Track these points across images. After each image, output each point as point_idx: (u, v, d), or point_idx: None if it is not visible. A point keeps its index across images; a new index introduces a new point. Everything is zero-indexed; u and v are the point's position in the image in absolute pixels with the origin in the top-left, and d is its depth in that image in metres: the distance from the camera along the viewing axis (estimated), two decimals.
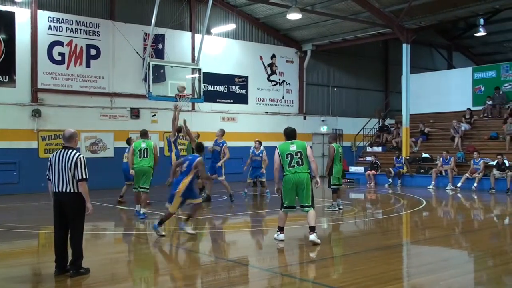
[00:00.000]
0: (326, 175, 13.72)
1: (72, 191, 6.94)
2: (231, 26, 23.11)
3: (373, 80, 29.82)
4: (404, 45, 22.64)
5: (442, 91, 25.16)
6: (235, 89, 24.22)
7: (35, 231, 10.94)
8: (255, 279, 7.13)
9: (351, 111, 28.27)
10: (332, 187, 13.24)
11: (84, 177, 6.93)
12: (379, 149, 24.94)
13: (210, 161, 15.38)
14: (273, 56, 25.60)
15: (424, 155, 22.18)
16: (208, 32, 21.67)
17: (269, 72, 25.50)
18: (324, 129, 26.92)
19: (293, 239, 9.29)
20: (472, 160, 19.68)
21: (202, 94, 18.42)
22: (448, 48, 31.75)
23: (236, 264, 7.72)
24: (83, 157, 7.01)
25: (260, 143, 17.12)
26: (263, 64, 25.25)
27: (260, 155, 16.86)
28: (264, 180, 16.92)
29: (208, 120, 22.86)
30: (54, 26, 19.38)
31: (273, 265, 7.81)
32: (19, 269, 7.62)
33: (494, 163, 18.97)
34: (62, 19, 19.55)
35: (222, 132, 15.78)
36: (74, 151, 7.02)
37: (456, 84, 24.98)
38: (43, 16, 19.12)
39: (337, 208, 13.12)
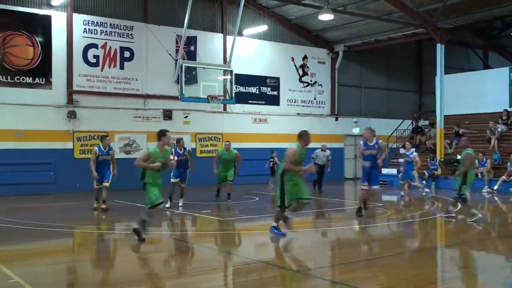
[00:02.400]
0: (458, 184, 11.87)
1: None
2: (262, 28, 23.14)
3: (406, 80, 29.43)
4: (438, 45, 22.26)
5: (478, 91, 24.62)
6: (267, 90, 24.24)
7: (70, 230, 11.14)
8: (286, 280, 7.10)
9: (384, 112, 27.95)
10: (462, 197, 11.75)
11: None
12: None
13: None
14: (305, 57, 25.52)
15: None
16: (240, 33, 21.74)
17: (301, 73, 25.43)
18: (356, 130, 26.67)
19: (327, 241, 9.23)
20: (508, 162, 19.21)
21: (233, 95, 18.49)
22: (484, 48, 31.10)
23: (268, 266, 7.71)
24: None
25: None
26: (295, 65, 25.19)
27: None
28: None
29: (239, 122, 22.98)
30: (89, 29, 19.74)
31: (304, 266, 7.76)
32: (54, 268, 7.76)
33: None
34: (97, 22, 19.90)
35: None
36: None
37: (493, 85, 24.40)
38: (79, 19, 19.49)
39: (479, 215, 11.87)
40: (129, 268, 7.87)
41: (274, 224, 9.63)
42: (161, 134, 9.28)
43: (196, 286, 6.88)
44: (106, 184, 13.28)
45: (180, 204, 14.04)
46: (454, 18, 21.72)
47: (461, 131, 23.42)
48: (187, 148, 14.71)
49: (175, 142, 14.66)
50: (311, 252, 8.60)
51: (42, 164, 18.59)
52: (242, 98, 22.48)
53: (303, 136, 9.59)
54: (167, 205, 13.36)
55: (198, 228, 11.67)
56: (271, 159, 19.23)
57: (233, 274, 7.55)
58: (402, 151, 16.00)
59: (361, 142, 12.22)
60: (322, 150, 19.36)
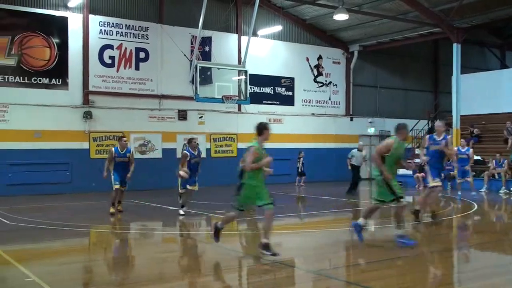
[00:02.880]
0: None
1: None
2: (277, 28, 23.12)
3: (422, 80, 29.23)
4: (455, 45, 22.09)
5: (494, 91, 24.36)
6: (281, 90, 24.22)
7: (87, 229, 11.23)
8: (301, 281, 7.09)
9: (399, 112, 27.74)
10: None
11: None
12: None
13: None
14: (320, 57, 25.46)
15: (475, 157, 21.53)
16: (255, 34, 21.75)
17: (316, 73, 25.38)
18: (371, 130, 26.54)
19: (341, 242, 9.20)
20: None
21: (248, 95, 18.51)
22: (501, 47, 30.74)
23: (282, 266, 7.70)
24: None
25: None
26: (310, 65, 25.15)
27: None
28: None
29: (254, 122, 22.75)
30: (105, 30, 19.89)
31: (319, 267, 7.74)
32: (70, 267, 7.84)
33: None
34: (113, 23, 20.04)
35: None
36: None
37: (510, 84, 24.12)
38: (95, 20, 19.65)
39: None
40: (145, 267, 7.91)
41: (398, 233, 8.81)
42: (263, 128, 7.94)
43: (210, 286, 6.90)
44: (123, 188, 13.03)
45: (181, 212, 12.58)
46: (470, 17, 21.52)
47: (475, 131, 23.21)
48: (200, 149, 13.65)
49: (186, 142, 13.79)
50: (324, 252, 8.58)
51: (58, 164, 18.78)
52: (256, 98, 22.50)
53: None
54: (182, 212, 12.55)
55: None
56: (298, 160, 19.35)
57: (248, 274, 7.56)
58: (459, 149, 15.18)
59: (427, 136, 11.65)
60: (358, 150, 18.94)
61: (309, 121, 24.76)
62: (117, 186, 12.79)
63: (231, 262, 8.26)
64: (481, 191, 19.18)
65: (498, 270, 7.57)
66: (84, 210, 14.40)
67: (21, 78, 18.35)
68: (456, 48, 22.09)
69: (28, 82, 18.46)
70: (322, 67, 25.58)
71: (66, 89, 19.16)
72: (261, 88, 23.42)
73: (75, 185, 18.79)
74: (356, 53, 25.99)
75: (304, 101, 24.95)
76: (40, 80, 18.66)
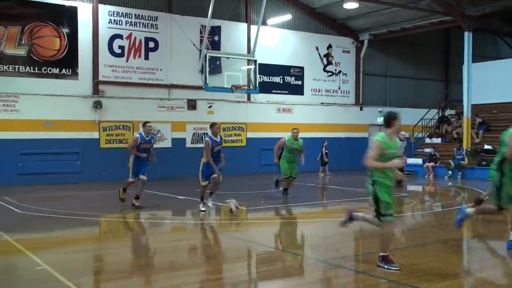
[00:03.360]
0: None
1: None
2: (287, 17, 22.99)
3: (433, 69, 29.00)
4: (466, 33, 21.83)
5: (506, 80, 24.10)
6: (291, 80, 24.14)
7: (97, 218, 11.31)
8: (310, 269, 7.10)
9: (409, 101, 27.54)
10: None
11: None
12: (438, 140, 24.31)
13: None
14: (329, 47, 25.31)
15: (486, 146, 21.40)
16: (264, 23, 21.64)
17: (325, 62, 25.25)
18: (381, 120, 26.37)
19: (350, 232, 9.17)
20: None
21: (257, 85, 18.46)
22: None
23: (292, 254, 7.72)
24: None
25: None
26: (319, 54, 25.02)
27: None
28: None
29: (263, 111, 22.97)
30: (114, 20, 19.89)
31: (328, 256, 7.75)
32: (81, 256, 7.90)
33: None
34: (122, 13, 20.03)
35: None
36: None
37: None
38: (104, 10, 19.65)
39: None
40: (155, 256, 7.97)
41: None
42: (392, 118, 6.73)
43: (219, 274, 6.93)
44: (144, 178, 12.15)
45: (209, 204, 11.71)
46: (482, 5, 21.26)
47: (477, 120, 22.99)
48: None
49: (209, 127, 12.15)
50: (333, 242, 8.58)
51: (68, 154, 18.88)
52: (266, 88, 22.42)
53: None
54: (202, 208, 11.64)
55: (230, 218, 11.64)
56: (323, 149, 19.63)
57: (257, 263, 7.58)
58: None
59: None
60: (400, 140, 16.92)
61: (318, 110, 24.68)
62: (132, 180, 12.22)
63: (240, 252, 8.28)
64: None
65: (507, 259, 7.53)
66: (94, 200, 14.49)
67: (32, 68, 18.41)
68: (467, 37, 21.84)
69: (39, 72, 18.52)
70: (332, 56, 25.44)
71: (76, 79, 19.21)
72: (271, 77, 23.34)
73: (85, 175, 18.89)
74: (366, 42, 25.81)
75: (314, 90, 24.84)
76: (50, 70, 18.72)
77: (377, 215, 6.71)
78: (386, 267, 6.68)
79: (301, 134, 14.36)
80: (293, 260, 7.56)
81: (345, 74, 25.84)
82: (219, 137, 11.84)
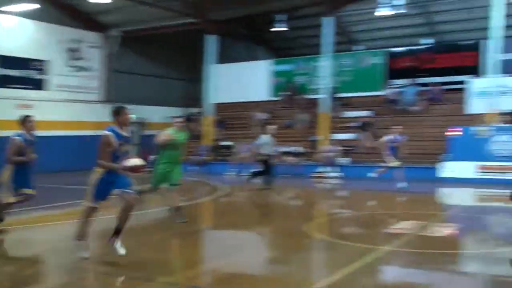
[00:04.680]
0: None
1: None
2: (27, 6, 21.13)
3: (181, 69, 29.83)
4: (210, 36, 23.13)
5: (246, 81, 26.29)
6: (32, 74, 22.42)
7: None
8: None
9: (158, 99, 27.87)
10: None
11: None
12: None
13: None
14: (77, 41, 24.22)
15: (224, 143, 23.15)
16: None
17: (72, 57, 24.09)
18: (132, 117, 26.22)
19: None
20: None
21: None
22: (254, 40, 32.81)
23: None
24: None
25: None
26: (65, 48, 23.75)
27: None
28: None
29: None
30: None
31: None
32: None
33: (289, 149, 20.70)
34: None
35: None
36: None
37: (258, 75, 26.38)
38: None
39: None
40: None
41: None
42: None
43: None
44: None
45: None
46: (225, 11, 22.74)
47: (217, 118, 24.94)
48: None
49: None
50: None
51: None
52: (1, 82, 20.47)
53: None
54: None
55: None
56: None
57: None
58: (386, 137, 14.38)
59: None
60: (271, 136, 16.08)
61: (64, 107, 23.41)
62: None
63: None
64: (229, 174, 20.61)
65: (238, 247, 8.14)
66: None
67: None
68: (210, 39, 23.16)
69: None
70: (79, 51, 24.39)
71: None
72: (7, 70, 21.32)
73: None
74: (116, 39, 25.35)
75: (59, 86, 23.49)
76: None
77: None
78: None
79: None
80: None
81: (93, 70, 25.05)
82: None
